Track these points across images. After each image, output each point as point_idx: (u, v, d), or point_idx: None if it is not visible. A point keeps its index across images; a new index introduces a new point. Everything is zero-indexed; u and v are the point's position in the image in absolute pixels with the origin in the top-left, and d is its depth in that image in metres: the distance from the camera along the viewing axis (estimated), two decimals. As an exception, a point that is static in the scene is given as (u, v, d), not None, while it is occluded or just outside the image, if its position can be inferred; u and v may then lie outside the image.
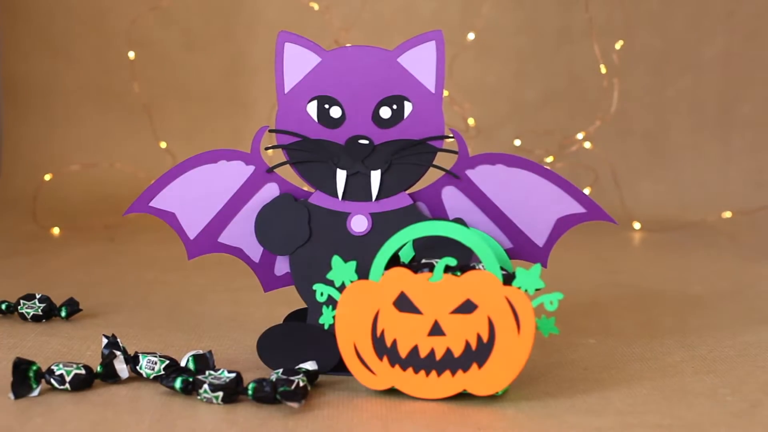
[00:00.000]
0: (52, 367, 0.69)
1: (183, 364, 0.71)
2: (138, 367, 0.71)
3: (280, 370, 0.69)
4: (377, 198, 0.73)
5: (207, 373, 0.69)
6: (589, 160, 1.54)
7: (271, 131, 0.74)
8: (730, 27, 1.69)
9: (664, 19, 1.71)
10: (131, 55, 1.52)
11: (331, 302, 0.73)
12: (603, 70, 1.47)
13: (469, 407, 0.68)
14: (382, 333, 0.69)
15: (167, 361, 0.70)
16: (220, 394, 0.67)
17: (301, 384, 0.67)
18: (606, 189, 1.55)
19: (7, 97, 1.69)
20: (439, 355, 0.69)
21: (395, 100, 0.72)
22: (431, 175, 0.74)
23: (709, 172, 1.67)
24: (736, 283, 1.14)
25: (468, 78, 1.63)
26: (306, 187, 0.75)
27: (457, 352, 0.68)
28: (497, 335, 0.68)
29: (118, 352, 0.71)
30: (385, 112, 0.72)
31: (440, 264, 0.68)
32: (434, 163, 0.73)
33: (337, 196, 0.73)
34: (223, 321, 0.90)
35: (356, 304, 0.70)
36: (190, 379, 0.68)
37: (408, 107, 0.72)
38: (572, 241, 1.37)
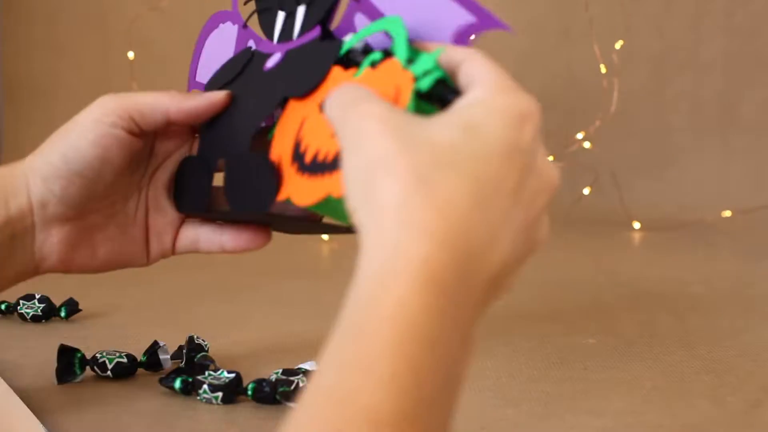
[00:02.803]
0: (96, 354, 0.72)
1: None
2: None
3: (280, 370, 0.69)
4: (298, 36, 0.68)
5: (207, 373, 0.69)
6: (589, 160, 1.54)
7: None
8: (730, 27, 1.69)
9: (664, 19, 1.71)
10: (131, 55, 1.52)
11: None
12: (603, 70, 1.47)
13: (469, 407, 0.68)
14: (300, 140, 0.61)
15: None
16: (220, 394, 0.67)
17: (301, 384, 0.67)
18: (606, 189, 1.56)
19: (7, 96, 1.69)
20: (330, 158, 0.58)
21: None
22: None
23: (709, 172, 1.67)
24: (736, 283, 1.14)
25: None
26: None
27: (330, 155, 0.58)
28: None
29: (162, 343, 0.73)
30: None
31: (367, 59, 0.60)
32: None
33: (273, 39, 0.69)
34: (223, 321, 0.90)
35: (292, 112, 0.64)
36: (190, 380, 0.68)
37: None
38: (572, 240, 1.38)
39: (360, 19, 0.66)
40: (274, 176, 0.62)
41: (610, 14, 1.61)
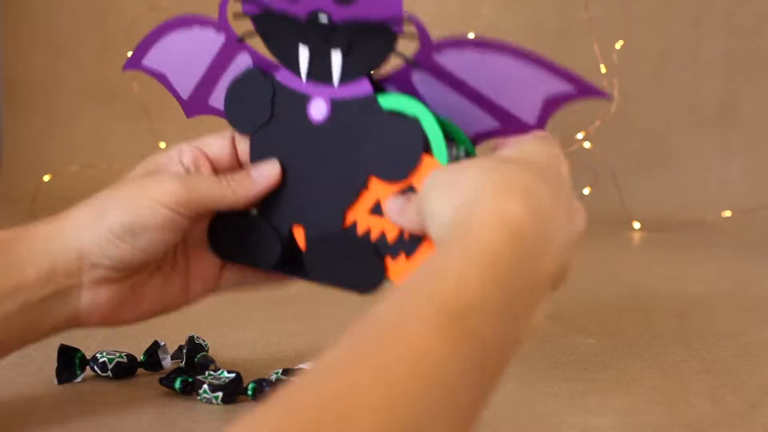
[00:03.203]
0: (96, 354, 0.72)
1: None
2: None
3: (280, 370, 0.69)
4: (339, 82, 0.67)
5: (207, 373, 0.69)
6: (589, 160, 1.54)
7: None
8: (730, 27, 1.69)
9: (664, 19, 1.71)
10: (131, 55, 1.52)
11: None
12: (603, 70, 1.47)
13: (469, 407, 0.68)
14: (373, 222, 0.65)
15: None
16: (220, 394, 0.67)
17: None
18: (606, 189, 1.56)
19: (7, 97, 1.69)
20: (374, 236, 0.64)
21: None
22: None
23: (708, 172, 1.67)
24: (736, 283, 1.14)
25: (468, 78, 1.63)
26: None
27: (390, 237, 0.64)
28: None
29: (162, 342, 0.74)
30: None
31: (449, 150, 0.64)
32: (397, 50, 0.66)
33: (299, 75, 0.68)
34: (223, 321, 0.90)
35: None
36: (190, 380, 0.68)
37: None
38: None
39: (419, 76, 0.66)
40: (382, 262, 0.65)
41: (610, 14, 1.61)
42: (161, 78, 0.74)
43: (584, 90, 0.64)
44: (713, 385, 0.74)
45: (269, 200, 0.68)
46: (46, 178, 1.46)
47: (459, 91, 0.66)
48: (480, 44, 0.64)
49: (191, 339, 0.75)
